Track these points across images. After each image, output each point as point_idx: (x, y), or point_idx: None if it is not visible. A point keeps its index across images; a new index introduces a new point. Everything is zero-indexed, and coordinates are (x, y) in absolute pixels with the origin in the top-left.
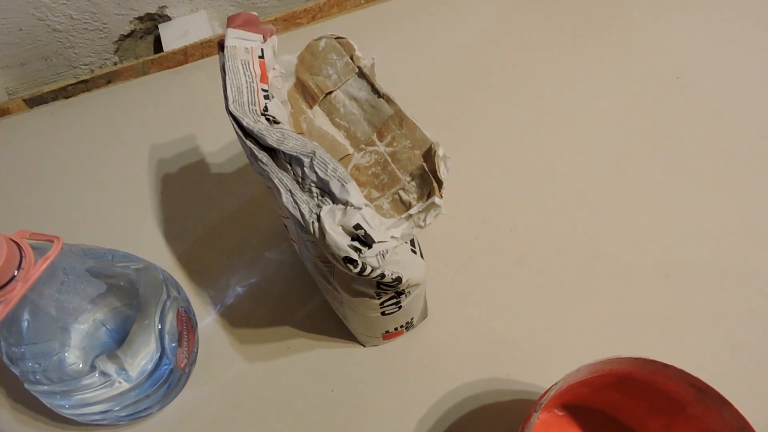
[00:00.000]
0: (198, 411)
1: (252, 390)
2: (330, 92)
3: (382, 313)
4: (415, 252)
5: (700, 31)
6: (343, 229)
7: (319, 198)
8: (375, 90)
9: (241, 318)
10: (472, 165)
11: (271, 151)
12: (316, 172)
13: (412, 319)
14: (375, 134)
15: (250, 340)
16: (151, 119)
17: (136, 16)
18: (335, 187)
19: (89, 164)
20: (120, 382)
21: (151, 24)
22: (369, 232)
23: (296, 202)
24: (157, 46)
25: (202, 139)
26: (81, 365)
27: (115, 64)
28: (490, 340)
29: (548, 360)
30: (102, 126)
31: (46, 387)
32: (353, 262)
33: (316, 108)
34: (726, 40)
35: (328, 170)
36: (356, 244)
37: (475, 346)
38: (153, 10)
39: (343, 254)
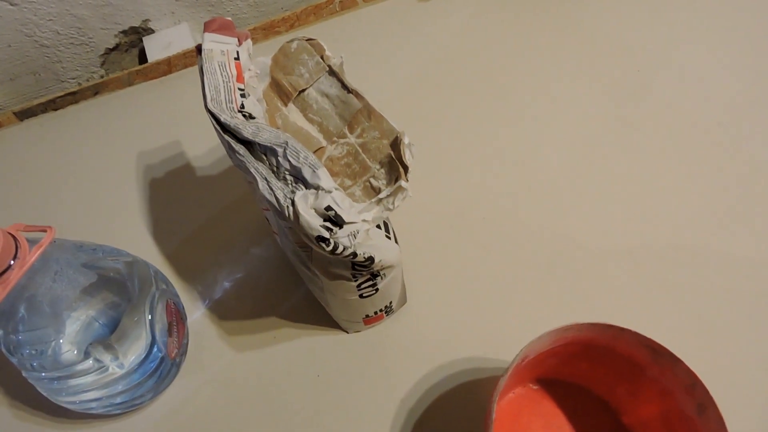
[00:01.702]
0: (190, 400)
1: (241, 379)
2: (303, 90)
3: (360, 296)
4: (389, 237)
5: (658, 27)
6: (316, 211)
7: (293, 185)
8: (344, 86)
9: (229, 311)
10: (445, 160)
11: (248, 144)
12: (289, 161)
13: (390, 303)
14: (346, 127)
15: (238, 331)
16: (137, 127)
17: (121, 30)
18: (307, 173)
19: (79, 172)
20: (113, 368)
21: (135, 37)
22: (339, 212)
23: (272, 189)
24: (142, 58)
25: (187, 145)
26: (75, 352)
27: (102, 77)
28: (467, 322)
29: (521, 337)
30: (90, 136)
31: (43, 374)
32: (326, 240)
33: (291, 105)
34: (683, 34)
35: (300, 158)
36: (328, 224)
37: (453, 329)
38: (137, 24)
39: (316, 234)
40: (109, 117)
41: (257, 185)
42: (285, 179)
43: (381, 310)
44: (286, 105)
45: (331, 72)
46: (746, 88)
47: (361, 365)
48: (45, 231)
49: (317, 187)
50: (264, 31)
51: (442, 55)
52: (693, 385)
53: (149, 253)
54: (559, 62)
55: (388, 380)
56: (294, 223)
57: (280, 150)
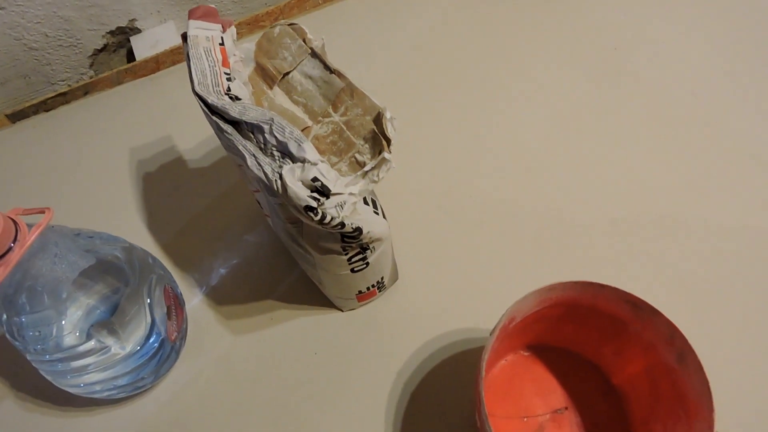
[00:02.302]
0: (192, 383)
1: (241, 360)
2: (287, 73)
3: (352, 270)
4: (377, 213)
5: (633, 5)
6: (303, 183)
7: (281, 160)
8: (327, 67)
9: (226, 297)
10: (431, 143)
11: (235, 124)
12: (275, 136)
13: (382, 278)
14: (330, 106)
15: (236, 315)
16: (129, 124)
17: (108, 31)
18: (293, 148)
19: (73, 171)
20: (115, 349)
21: (122, 37)
22: (325, 183)
23: (260, 165)
24: (130, 58)
25: (178, 139)
26: (77, 334)
27: (91, 78)
28: (458, 295)
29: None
30: (83, 135)
31: (47, 356)
32: (314, 210)
33: (276, 88)
34: (657, 12)
35: (286, 133)
36: (315, 195)
37: (444, 302)
38: (123, 24)
39: (304, 204)
40: (101, 116)
41: (246, 162)
42: (272, 155)
43: (373, 286)
44: (271, 88)
45: (314, 54)
46: (720, 61)
47: (357, 341)
48: (43, 212)
49: (303, 160)
50: (249, 26)
51: (424, 43)
52: (672, 336)
53: (146, 244)
54: (538, 44)
55: (384, 354)
56: (283, 195)
57: (266, 127)
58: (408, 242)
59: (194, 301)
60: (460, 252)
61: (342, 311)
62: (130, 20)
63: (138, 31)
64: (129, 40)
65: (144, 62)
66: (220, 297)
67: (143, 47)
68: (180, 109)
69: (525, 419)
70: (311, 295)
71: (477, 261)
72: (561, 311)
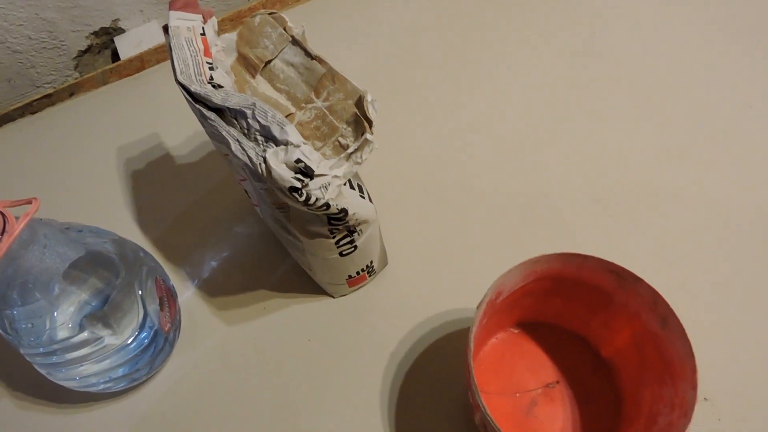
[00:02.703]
0: (188, 375)
1: (235, 350)
2: (269, 61)
3: (341, 254)
4: (363, 197)
5: None
6: (287, 165)
7: (264, 144)
8: (308, 53)
9: (218, 288)
10: (415, 129)
11: (219, 112)
12: (258, 121)
13: (371, 262)
14: (312, 92)
15: (229, 306)
16: (116, 124)
17: (92, 32)
18: (276, 131)
19: (60, 172)
20: (108, 340)
21: (106, 38)
22: (308, 164)
23: (244, 149)
24: (115, 58)
25: (165, 136)
26: (70, 325)
27: (76, 79)
28: (447, 276)
29: None
30: (69, 136)
31: (40, 349)
32: (298, 191)
33: (259, 77)
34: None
35: (268, 117)
36: (299, 176)
37: (434, 284)
38: (107, 24)
39: (289, 185)
40: (87, 116)
41: (230, 147)
42: (256, 139)
43: (363, 270)
44: (254, 77)
45: (294, 42)
46: (695, 37)
47: (349, 326)
48: (30, 203)
49: (286, 143)
50: (232, 22)
51: (405, 33)
52: (655, 302)
53: (137, 240)
54: (519, 29)
55: (376, 337)
56: (267, 178)
57: (248, 112)
58: (396, 227)
59: (187, 294)
60: (448, 234)
61: (333, 297)
62: (113, 20)
63: (122, 31)
64: (113, 41)
65: (129, 61)
66: (213, 289)
67: (127, 47)
68: (166, 106)
69: (517, 395)
70: (303, 283)
71: (465, 242)
72: (547, 285)
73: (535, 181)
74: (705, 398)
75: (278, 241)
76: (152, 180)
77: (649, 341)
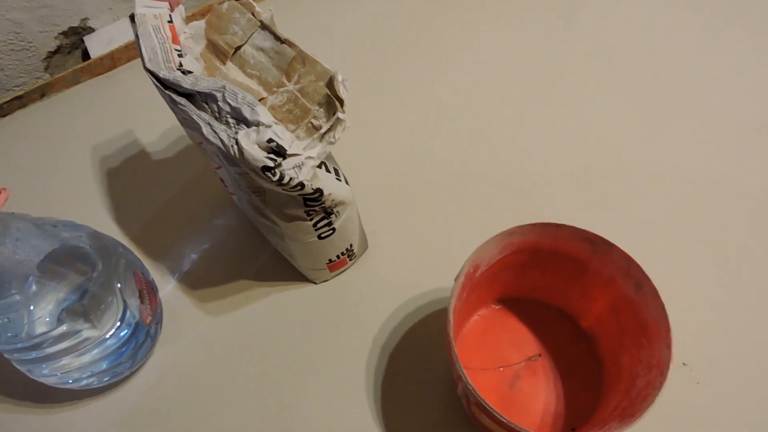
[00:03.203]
0: (172, 369)
1: (219, 341)
2: (239, 47)
3: (319, 237)
4: (339, 180)
5: None
6: (259, 145)
7: (236, 126)
8: (277, 37)
9: (199, 281)
10: (393, 114)
11: (189, 97)
12: (228, 103)
13: (351, 246)
14: (284, 76)
15: (211, 298)
16: (89, 123)
17: (60, 32)
18: (246, 112)
19: (34, 173)
20: (88, 333)
21: (76, 38)
22: (280, 143)
23: (216, 132)
24: (86, 58)
25: (140, 133)
26: (48, 319)
27: (47, 81)
28: (428, 257)
29: None
30: (43, 136)
31: (19, 344)
32: (271, 170)
33: (229, 63)
34: None
35: (238, 99)
36: (272, 155)
37: (415, 266)
38: (76, 24)
39: (261, 164)
40: (60, 116)
41: (202, 131)
42: (227, 122)
43: (343, 254)
44: (224, 64)
45: (263, 26)
46: (665, 13)
47: (332, 311)
48: None
49: (258, 124)
50: (202, 17)
51: (377, 15)
52: (628, 266)
53: (115, 236)
54: (492, 12)
55: (359, 321)
56: (240, 159)
57: (219, 95)
58: (375, 210)
59: (168, 287)
60: (427, 215)
61: (315, 284)
62: (82, 19)
63: (91, 30)
64: (83, 41)
65: (100, 60)
66: (194, 282)
67: (98, 46)
68: (140, 104)
69: (501, 369)
70: (284, 271)
71: (443, 221)
72: (524, 258)
73: (511, 157)
74: (684, 363)
75: (258, 230)
76: (129, 177)
77: (625, 307)
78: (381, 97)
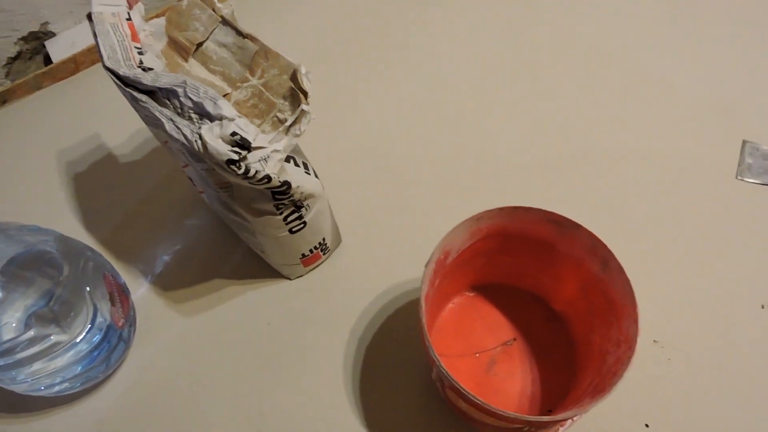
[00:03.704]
0: (147, 371)
1: (194, 342)
2: (200, 44)
3: (290, 231)
4: (309, 173)
5: None
6: (222, 139)
7: (199, 121)
8: (239, 33)
9: (172, 282)
10: (362, 107)
11: (151, 94)
12: (190, 98)
13: (324, 239)
14: (247, 71)
15: (185, 299)
16: (53, 128)
17: (20, 37)
18: (209, 106)
19: None
20: (57, 337)
21: (36, 43)
22: (244, 135)
23: (179, 128)
24: (48, 63)
25: (106, 136)
26: (14, 324)
27: (8, 87)
28: (401, 248)
29: None
30: (5, 143)
31: None
32: (236, 163)
33: (192, 60)
34: None
35: (200, 93)
36: (236, 149)
37: (389, 257)
38: (36, 28)
39: (225, 158)
40: (22, 122)
41: (165, 128)
42: (190, 117)
43: (316, 248)
44: (186, 61)
45: (225, 22)
46: (627, 3)
47: (308, 306)
48: None
49: (221, 117)
50: None
51: (342, 11)
52: (594, 246)
53: (84, 241)
54: (455, 5)
55: (336, 314)
56: (204, 154)
57: (180, 90)
58: (348, 205)
59: (141, 290)
60: (400, 206)
61: (290, 279)
62: (42, 24)
63: (52, 34)
64: (44, 45)
65: (62, 64)
66: (167, 283)
67: (60, 51)
68: (105, 107)
69: (477, 355)
70: (258, 268)
71: (416, 212)
72: (495, 243)
73: (480, 145)
74: (655, 341)
75: (230, 229)
76: (96, 181)
77: (593, 286)
78: (349, 90)
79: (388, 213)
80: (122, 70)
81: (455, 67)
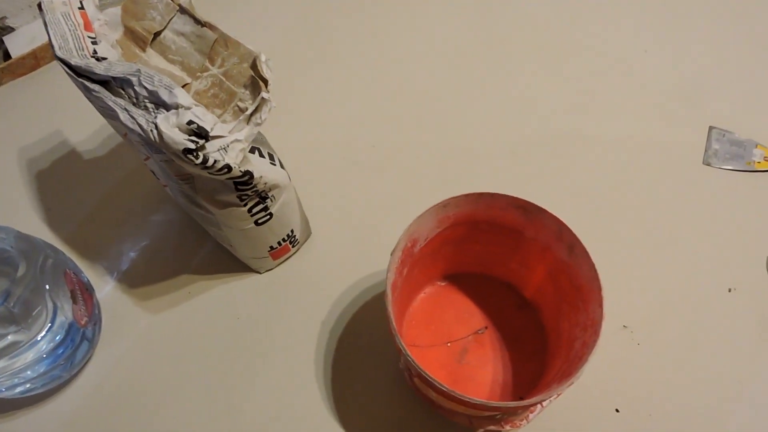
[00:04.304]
0: (114, 370)
1: (162, 338)
2: (158, 33)
3: (256, 223)
4: (274, 164)
5: None
6: (179, 128)
7: (155, 111)
8: (197, 21)
9: (139, 279)
10: (330, 100)
11: (105, 84)
12: (145, 87)
13: (292, 231)
14: (207, 60)
15: (152, 295)
16: (13, 125)
17: None
18: (164, 95)
19: None
20: (15, 337)
21: None
22: (201, 124)
23: (133, 118)
24: (7, 59)
25: (69, 132)
26: None
27: None
28: (372, 239)
29: None
30: None
31: None
32: (193, 152)
33: (149, 50)
34: None
35: (155, 82)
36: (193, 138)
37: (359, 249)
38: None
39: (182, 147)
40: None
41: (119, 118)
42: (146, 107)
43: (284, 240)
44: (144, 51)
45: (182, 10)
46: None
47: (278, 299)
48: None
49: (177, 106)
50: None
51: (312, 7)
52: (560, 231)
53: (46, 239)
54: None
55: (307, 307)
56: (161, 144)
57: (134, 79)
58: (318, 196)
59: (107, 288)
60: (371, 196)
61: (260, 273)
62: (0, 19)
63: (11, 29)
64: (2, 41)
65: (21, 59)
66: (134, 280)
67: (19, 46)
68: (67, 102)
69: (449, 344)
70: (227, 263)
71: (388, 202)
72: (463, 231)
73: (447, 133)
74: (624, 326)
75: (198, 223)
76: (59, 177)
77: (561, 271)
78: (317, 79)
79: (358, 203)
80: (74, 60)
81: (421, 55)
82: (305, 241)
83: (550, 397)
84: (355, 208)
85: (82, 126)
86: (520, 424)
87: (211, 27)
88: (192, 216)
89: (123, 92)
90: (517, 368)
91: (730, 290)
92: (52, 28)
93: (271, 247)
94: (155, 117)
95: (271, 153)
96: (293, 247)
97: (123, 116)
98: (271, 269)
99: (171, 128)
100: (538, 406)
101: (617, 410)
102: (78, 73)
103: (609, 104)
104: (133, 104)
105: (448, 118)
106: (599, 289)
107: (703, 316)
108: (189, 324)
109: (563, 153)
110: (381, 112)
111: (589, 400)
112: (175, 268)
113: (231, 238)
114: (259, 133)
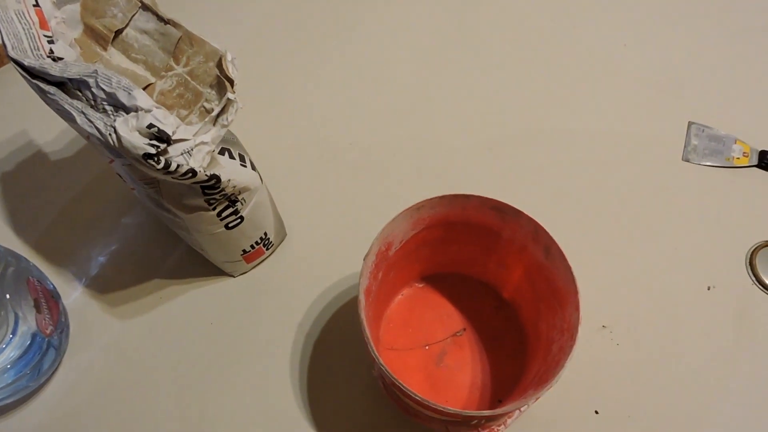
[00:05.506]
0: (83, 379)
1: (132, 346)
2: (120, 31)
3: (227, 227)
4: (245, 166)
5: None
6: (139, 132)
7: (114, 114)
8: (160, 18)
9: (109, 284)
10: (303, 96)
11: (61, 86)
12: (102, 89)
13: (266, 234)
14: (171, 59)
15: (122, 301)
16: None
17: None
18: (123, 97)
19: None
20: None
21: None
22: (162, 128)
23: (91, 121)
24: None
25: (34, 134)
26: None
27: None
28: (348, 241)
29: None
30: None
31: None
32: (153, 157)
33: (111, 49)
34: None
35: (113, 83)
36: (154, 142)
37: (336, 251)
38: None
39: (142, 152)
40: None
41: (76, 121)
42: (105, 110)
43: (258, 243)
44: (105, 49)
45: (145, 7)
46: None
47: (253, 303)
48: None
49: (136, 109)
50: None
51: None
52: (536, 232)
53: (9, 245)
54: None
55: (282, 310)
56: (120, 148)
57: (91, 80)
58: (293, 197)
59: (74, 294)
60: (346, 198)
61: (234, 277)
62: None
63: None
64: None
65: None
66: (103, 286)
67: None
68: (31, 104)
69: (427, 347)
70: (200, 266)
71: (363, 204)
72: (439, 232)
73: (422, 132)
74: (603, 326)
75: (168, 227)
76: (24, 181)
77: (538, 273)
78: (289, 79)
79: (334, 204)
80: (27, 61)
81: (394, 53)
82: (280, 243)
83: (528, 402)
84: (331, 208)
85: (48, 127)
86: (498, 429)
87: (175, 24)
88: (161, 220)
89: (80, 94)
90: (496, 370)
91: (709, 288)
92: (4, 26)
93: (244, 251)
94: (114, 120)
95: (243, 154)
96: (267, 249)
97: (80, 120)
98: (245, 272)
99: (130, 132)
100: (516, 411)
101: (596, 412)
102: (32, 74)
103: (586, 100)
104: (91, 107)
105: (425, 114)
106: (576, 292)
107: (682, 314)
108: (161, 330)
109: (539, 150)
110: (358, 109)
111: (568, 402)
112: (146, 273)
113: (201, 242)
114: (229, 132)
